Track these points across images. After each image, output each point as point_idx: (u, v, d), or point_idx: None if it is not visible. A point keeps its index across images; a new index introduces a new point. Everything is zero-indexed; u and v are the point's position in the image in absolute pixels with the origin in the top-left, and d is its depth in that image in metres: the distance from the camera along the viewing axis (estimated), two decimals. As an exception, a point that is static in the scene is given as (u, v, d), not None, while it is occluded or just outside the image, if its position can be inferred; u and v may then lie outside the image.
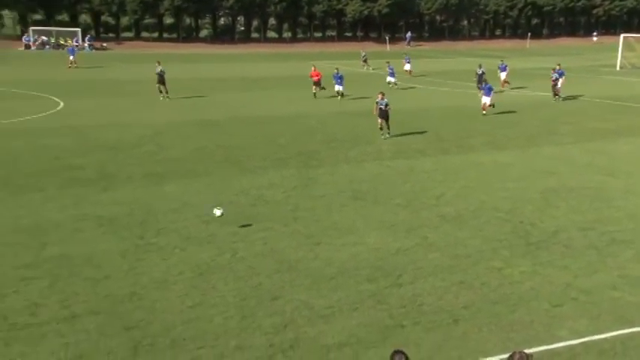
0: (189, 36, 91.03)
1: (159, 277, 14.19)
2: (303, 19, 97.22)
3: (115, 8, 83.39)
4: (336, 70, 41.67)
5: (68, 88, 42.87)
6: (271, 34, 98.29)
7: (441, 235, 17.27)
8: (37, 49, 74.77)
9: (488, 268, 14.96)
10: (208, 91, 44.94)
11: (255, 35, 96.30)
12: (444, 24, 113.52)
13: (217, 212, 17.18)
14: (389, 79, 48.21)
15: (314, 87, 41.34)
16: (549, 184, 22.09)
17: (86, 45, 78.08)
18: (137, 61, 63.22)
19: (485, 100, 35.69)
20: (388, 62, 50.50)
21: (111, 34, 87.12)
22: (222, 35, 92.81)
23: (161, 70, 39.76)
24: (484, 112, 35.53)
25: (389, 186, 21.89)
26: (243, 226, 17.43)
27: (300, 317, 12.56)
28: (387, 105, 28.86)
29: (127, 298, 13.15)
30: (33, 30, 77.51)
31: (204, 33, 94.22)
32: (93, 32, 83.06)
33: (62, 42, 78.19)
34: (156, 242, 16.23)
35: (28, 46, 74.75)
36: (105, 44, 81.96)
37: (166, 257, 15.33)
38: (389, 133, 29.32)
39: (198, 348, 11.37)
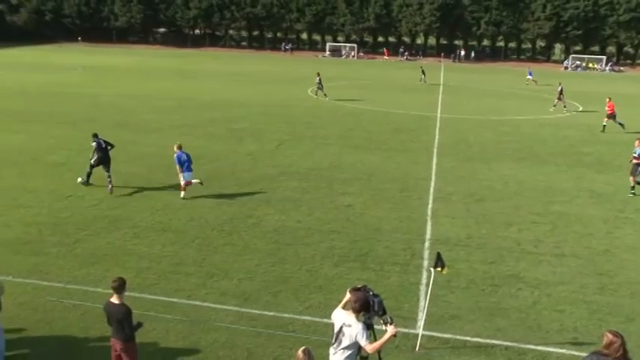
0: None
1: (630, 243, 12.28)
2: None
3: (636, 42, 72.29)
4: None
5: (581, 97, 38.79)
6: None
7: None
8: (572, 70, 69.66)
9: None
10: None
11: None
12: None
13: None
14: None
15: (606, 118, 25.66)
16: None
17: (607, 68, 69.65)
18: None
19: None
20: None
21: (628, 61, 75.48)
22: None
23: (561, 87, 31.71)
24: None
25: None
26: None
27: None
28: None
29: (602, 253, 11.75)
30: (572, 57, 72.27)
31: None
32: (614, 59, 73.16)
33: (591, 65, 71.21)
34: (632, 218, 13.97)
35: (565, 68, 70.11)
36: (622, 68, 71.58)
37: (639, 229, 13.06)
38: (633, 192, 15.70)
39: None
